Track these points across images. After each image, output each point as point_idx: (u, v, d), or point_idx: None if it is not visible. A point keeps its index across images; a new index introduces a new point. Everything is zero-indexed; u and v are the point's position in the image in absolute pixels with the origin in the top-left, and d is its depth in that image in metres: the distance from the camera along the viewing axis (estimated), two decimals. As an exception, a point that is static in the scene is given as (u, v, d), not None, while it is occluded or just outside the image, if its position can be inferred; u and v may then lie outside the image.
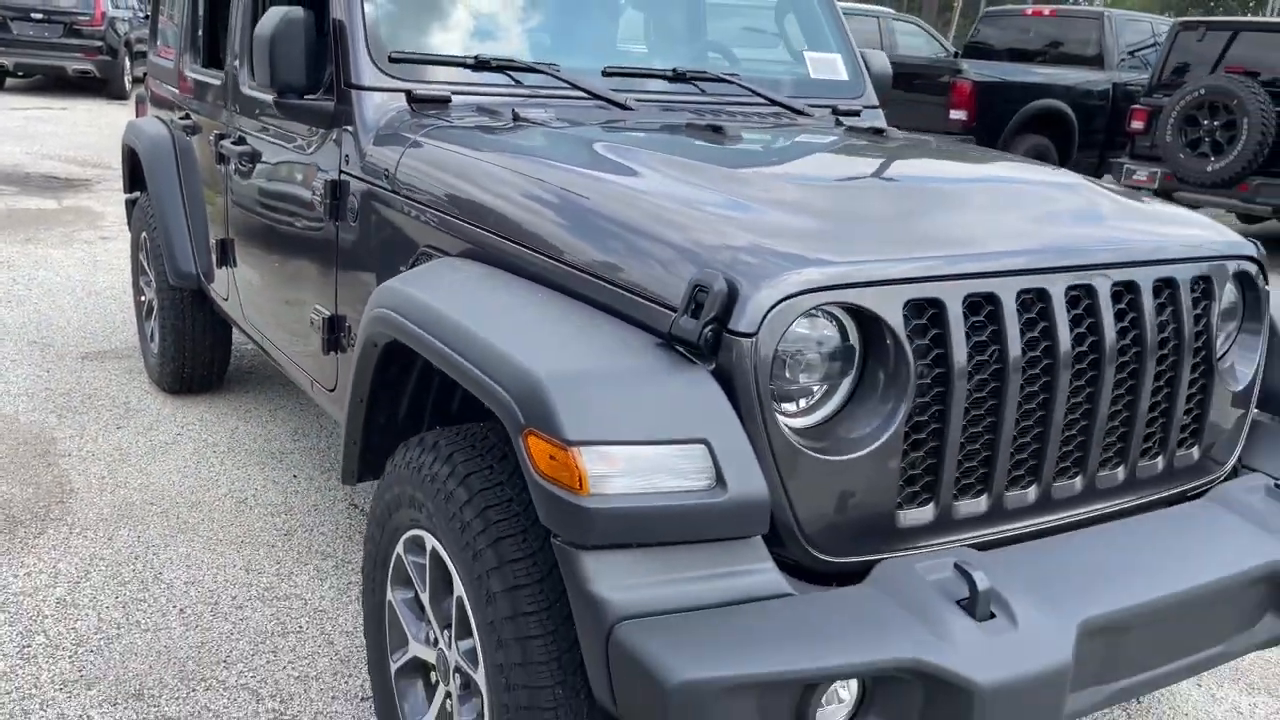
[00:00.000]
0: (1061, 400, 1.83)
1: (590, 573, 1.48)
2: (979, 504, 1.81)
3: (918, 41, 12.96)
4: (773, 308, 1.58)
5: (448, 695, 1.94)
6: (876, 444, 1.65)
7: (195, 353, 4.16)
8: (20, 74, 15.65)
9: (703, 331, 1.57)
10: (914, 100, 9.96)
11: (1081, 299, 1.86)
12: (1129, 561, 1.78)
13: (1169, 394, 2.01)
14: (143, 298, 4.50)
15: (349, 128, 2.55)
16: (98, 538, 3.18)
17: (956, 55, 12.05)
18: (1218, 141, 8.51)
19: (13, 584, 2.90)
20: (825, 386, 1.70)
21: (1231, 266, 2.09)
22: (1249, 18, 10.78)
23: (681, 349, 1.62)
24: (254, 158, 3.13)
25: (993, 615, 1.57)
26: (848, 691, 1.55)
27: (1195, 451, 2.11)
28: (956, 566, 1.60)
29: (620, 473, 1.48)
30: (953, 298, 1.70)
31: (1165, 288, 1.98)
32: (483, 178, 2.13)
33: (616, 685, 1.47)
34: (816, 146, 2.53)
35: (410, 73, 2.57)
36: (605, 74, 2.79)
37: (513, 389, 1.55)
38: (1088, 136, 10.49)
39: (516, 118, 2.46)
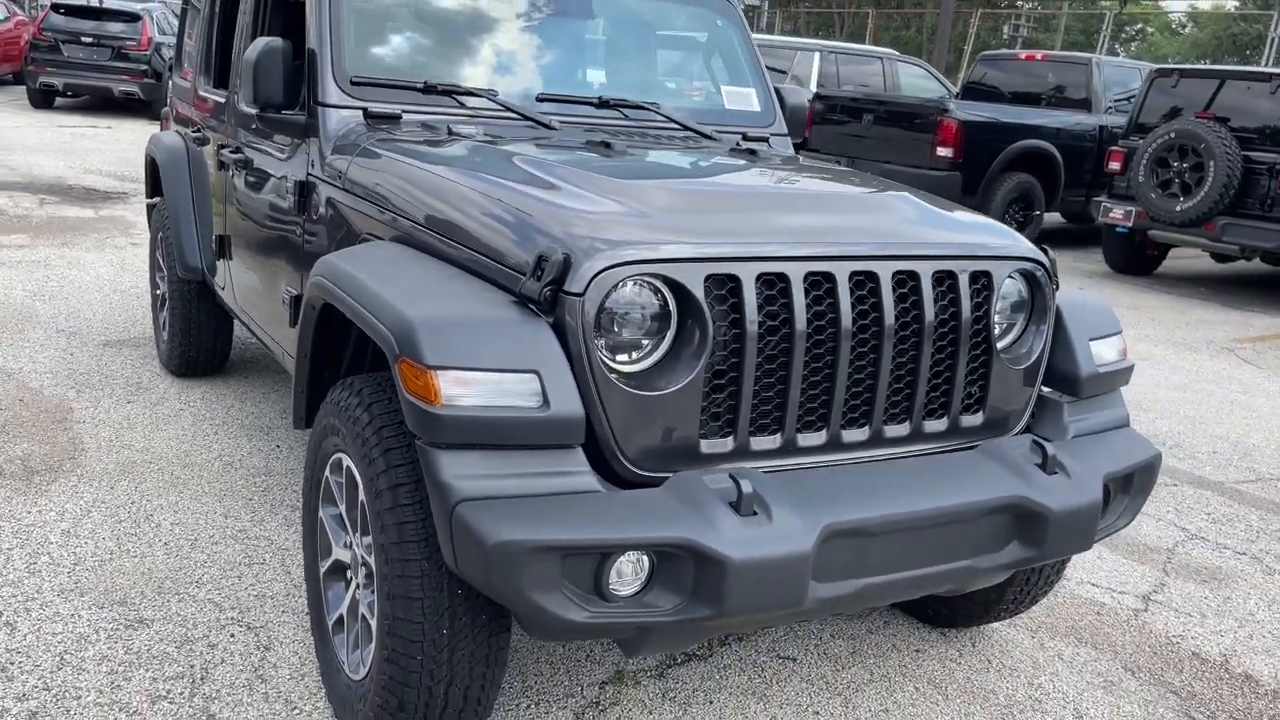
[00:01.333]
0: (844, 363, 2.30)
1: (440, 465, 1.98)
2: (773, 441, 2.29)
3: (921, 82, 13.49)
4: (596, 275, 2.07)
5: (356, 585, 2.43)
6: (678, 385, 2.13)
7: (199, 339, 4.71)
8: (69, 94, 16.51)
9: (542, 290, 2.08)
10: (906, 138, 10.46)
11: (865, 283, 2.34)
12: (884, 486, 2.24)
13: (950, 366, 2.48)
14: (158, 291, 5.06)
15: (315, 138, 3.08)
16: (101, 487, 3.71)
17: (956, 95, 12.56)
18: (1186, 183, 8.94)
19: (25, 518, 3.43)
20: (651, 341, 2.19)
21: (1012, 267, 2.56)
22: (1221, 67, 11.15)
23: (531, 305, 2.12)
24: (246, 164, 3.68)
25: (755, 514, 2.04)
26: (641, 566, 2.02)
27: (980, 416, 2.57)
28: (731, 476, 2.08)
29: (466, 391, 1.98)
30: (747, 275, 2.19)
31: (946, 279, 2.45)
32: (404, 177, 2.66)
33: (458, 551, 1.96)
34: (687, 161, 3.03)
35: (369, 94, 3.11)
36: (539, 99, 3.32)
37: (393, 328, 2.06)
38: (1075, 176, 10.92)
39: (450, 132, 2.99)
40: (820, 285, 2.29)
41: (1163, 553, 3.97)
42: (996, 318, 2.59)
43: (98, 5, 16.55)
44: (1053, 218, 12.17)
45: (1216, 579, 3.79)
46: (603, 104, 3.40)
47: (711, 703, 2.75)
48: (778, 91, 3.90)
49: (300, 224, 3.17)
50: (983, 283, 2.51)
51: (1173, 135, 8.96)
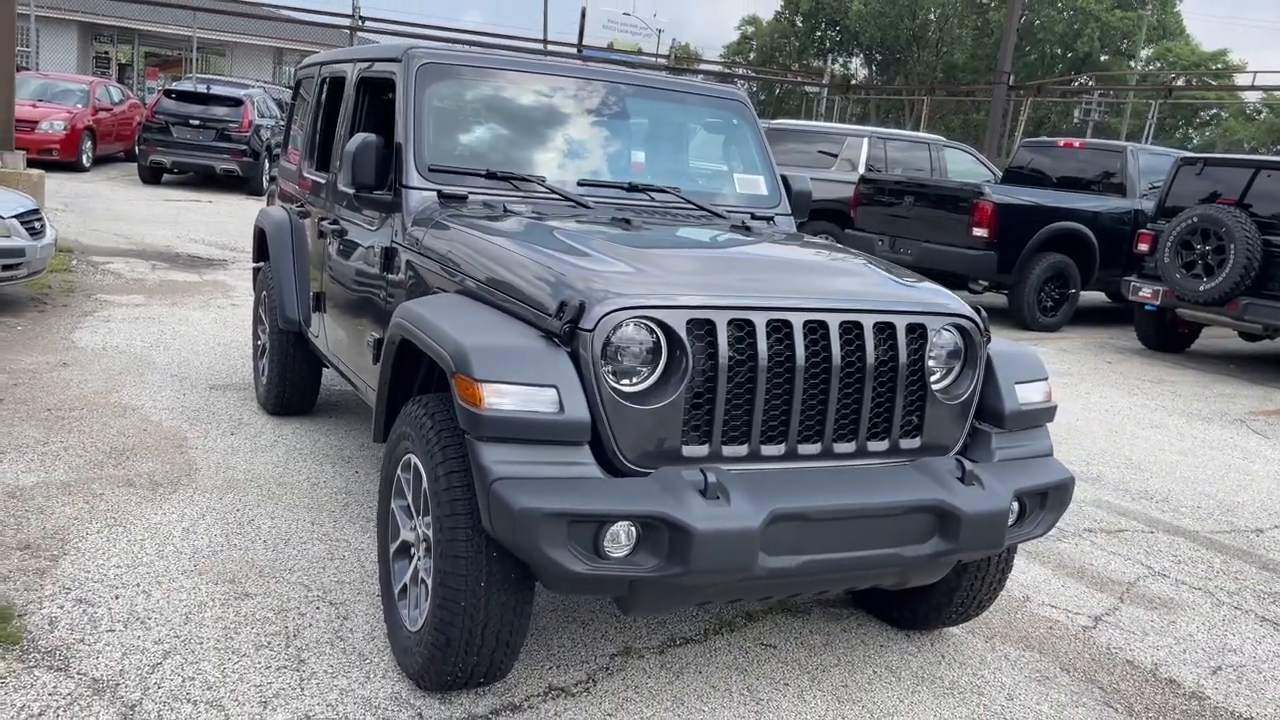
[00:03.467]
0: (798, 392, 2.96)
1: (482, 453, 2.68)
2: (741, 449, 2.95)
3: (967, 166, 14.15)
4: (603, 317, 2.77)
5: (418, 557, 3.12)
6: (664, 403, 2.81)
7: (293, 382, 5.51)
8: (175, 170, 17.93)
9: (563, 327, 2.79)
10: (945, 218, 11.10)
11: (817, 329, 3.01)
12: (825, 486, 2.89)
13: (888, 399, 3.12)
14: (258, 341, 5.90)
15: (399, 213, 3.86)
16: (212, 498, 4.47)
17: (999, 180, 13.18)
18: (1209, 264, 9.41)
19: (154, 518, 4.20)
20: (646, 369, 2.87)
21: (946, 321, 3.20)
22: (1243, 155, 11.61)
23: (554, 339, 2.82)
24: (342, 234, 4.49)
25: (718, 498, 2.70)
26: (630, 534, 2.68)
27: (917, 440, 3.20)
28: (701, 471, 2.74)
29: (503, 399, 2.68)
30: (720, 320, 2.87)
31: (886, 329, 3.11)
32: (465, 244, 3.41)
33: (493, 516, 2.64)
34: (690, 234, 3.75)
35: (442, 179, 3.89)
36: (579, 184, 4.08)
37: (451, 352, 2.78)
38: (1111, 256, 11.41)
39: (505, 210, 3.75)
40: (780, 330, 2.96)
41: (1123, 584, 4.49)
42: (931, 362, 3.23)
43: (205, 91, 18.04)
44: (1095, 296, 12.66)
45: (1166, 607, 4.30)
46: (632, 188, 4.14)
47: (700, 673, 3.37)
48: (784, 179, 4.62)
49: (384, 282, 3.94)
50: (918, 333, 3.16)
51: (1195, 219, 9.47)
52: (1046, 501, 3.24)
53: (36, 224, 7.67)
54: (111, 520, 4.13)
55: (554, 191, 3.97)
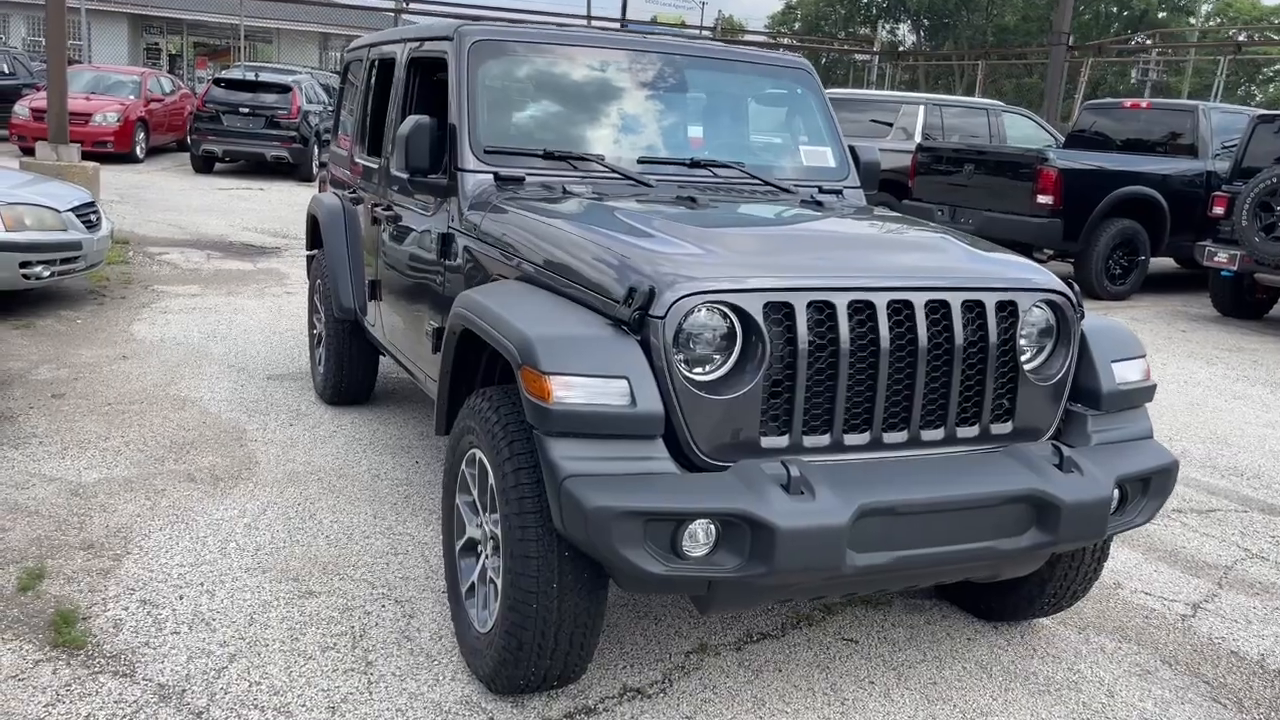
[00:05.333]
0: (883, 377, 2.79)
1: (552, 449, 2.54)
2: (823, 440, 2.78)
3: (1028, 132, 13.74)
4: (675, 303, 2.62)
5: (485, 556, 3.00)
6: (741, 392, 2.65)
7: (350, 372, 5.43)
8: (227, 159, 18.02)
9: (632, 315, 2.63)
10: (1006, 186, 10.77)
11: (902, 310, 2.82)
12: (914, 477, 2.71)
13: (978, 382, 2.94)
14: (314, 330, 5.82)
15: (455, 198, 3.73)
16: (273, 492, 4.40)
17: (1062, 145, 12.77)
18: (1289, 226, 9.02)
19: (215, 513, 4.13)
20: (721, 356, 2.72)
21: (1038, 297, 3.00)
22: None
23: (623, 327, 2.67)
24: (396, 220, 4.37)
25: (802, 493, 2.54)
26: (710, 533, 2.53)
27: (1009, 425, 3.01)
28: (783, 464, 2.58)
29: (572, 392, 2.54)
30: (799, 303, 2.70)
31: (975, 307, 2.92)
32: (525, 228, 3.26)
33: (565, 516, 2.51)
34: (759, 211, 3.57)
35: (499, 160, 3.74)
36: (639, 162, 3.91)
37: (517, 344, 2.64)
38: (1183, 221, 11.01)
39: (564, 191, 3.60)
40: (862, 311, 2.78)
41: (1220, 569, 4.26)
42: (1023, 341, 3.03)
43: (254, 79, 18.08)
44: (1164, 263, 12.24)
45: (1269, 592, 4.07)
46: (694, 164, 3.97)
47: (780, 671, 3.22)
48: (852, 150, 4.42)
49: (441, 269, 3.82)
50: (1009, 311, 2.96)
51: (1275, 180, 9.07)
52: (1149, 488, 3.04)
53: (92, 216, 7.67)
54: (174, 517, 4.07)
55: (614, 170, 3.81)
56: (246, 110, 17.39)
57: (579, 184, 3.71)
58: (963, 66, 40.83)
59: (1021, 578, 3.37)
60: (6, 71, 19.76)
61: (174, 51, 44.29)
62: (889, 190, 12.59)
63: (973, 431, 2.96)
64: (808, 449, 2.77)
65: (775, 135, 4.39)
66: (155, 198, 14.29)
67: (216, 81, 18.24)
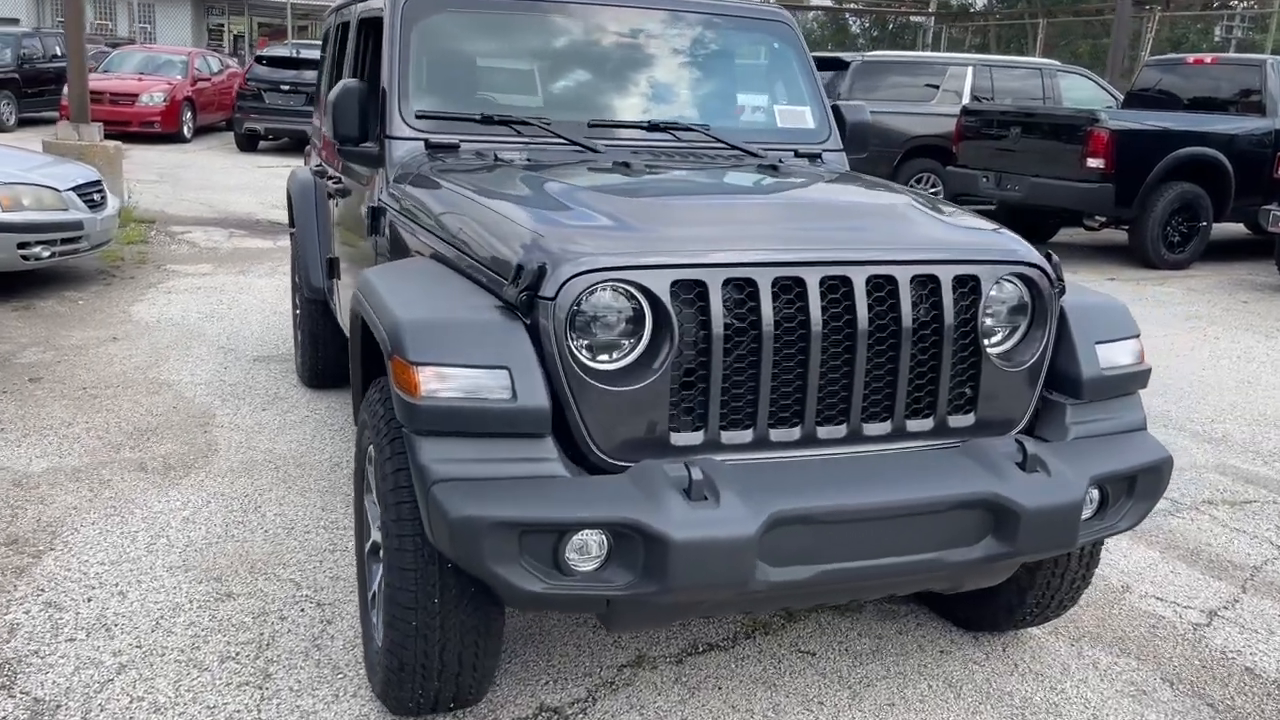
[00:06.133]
0: (815, 364, 2.44)
1: (420, 450, 2.24)
2: (745, 435, 2.44)
3: (1085, 93, 13.04)
4: (567, 282, 2.29)
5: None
6: (646, 382, 2.33)
7: (325, 353, 5.19)
8: (270, 137, 18.01)
9: (519, 296, 2.32)
10: (1055, 150, 10.18)
11: (839, 286, 2.47)
12: (846, 479, 2.37)
13: (932, 368, 2.57)
14: (297, 311, 5.60)
15: (384, 168, 3.44)
16: (223, 482, 4.19)
17: (1121, 105, 12.08)
18: (1362, 187, 8.34)
19: (155, 506, 3.93)
20: (629, 342, 2.39)
21: (1004, 271, 2.62)
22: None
23: (513, 310, 2.36)
24: (343, 194, 4.10)
25: (705, 499, 2.21)
26: (601, 546, 2.22)
27: (970, 417, 2.64)
28: (685, 465, 2.26)
29: (444, 384, 2.24)
30: (713, 280, 2.36)
31: (927, 282, 2.55)
32: (436, 200, 2.96)
33: (432, 525, 2.21)
34: (701, 178, 3.20)
35: (432, 126, 3.44)
36: (591, 126, 3.58)
37: (388, 329, 2.34)
38: (1248, 183, 10.31)
39: (495, 159, 3.28)
40: (790, 290, 2.43)
41: (1247, 569, 3.83)
42: (989, 321, 2.66)
43: (294, 55, 18.01)
44: (1231, 228, 11.52)
45: (1300, 597, 3.64)
46: (653, 128, 3.62)
47: (720, 689, 2.90)
48: (836, 109, 4.03)
49: (373, 247, 3.54)
50: (970, 287, 2.59)
51: (1345, 138, 8.39)
52: (1135, 488, 2.65)
53: (96, 196, 7.55)
54: (111, 510, 3.88)
55: (558, 135, 3.48)
56: (288, 88, 17.33)
57: (516, 151, 3.40)
58: (1035, 28, 39.36)
59: (998, 586, 3.00)
60: (59, 54, 19.94)
61: (238, 32, 44.78)
62: (933, 157, 12.05)
63: (926, 425, 2.60)
64: (727, 446, 2.44)
65: (749, 94, 4.02)
66: (193, 176, 14.28)
67: (259, 59, 18.23)
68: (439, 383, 2.24)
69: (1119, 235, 10.88)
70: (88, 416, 4.87)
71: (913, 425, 2.59)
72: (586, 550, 2.22)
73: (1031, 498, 2.40)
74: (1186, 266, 10.35)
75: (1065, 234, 12.16)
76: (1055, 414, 2.73)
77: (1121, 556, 3.87)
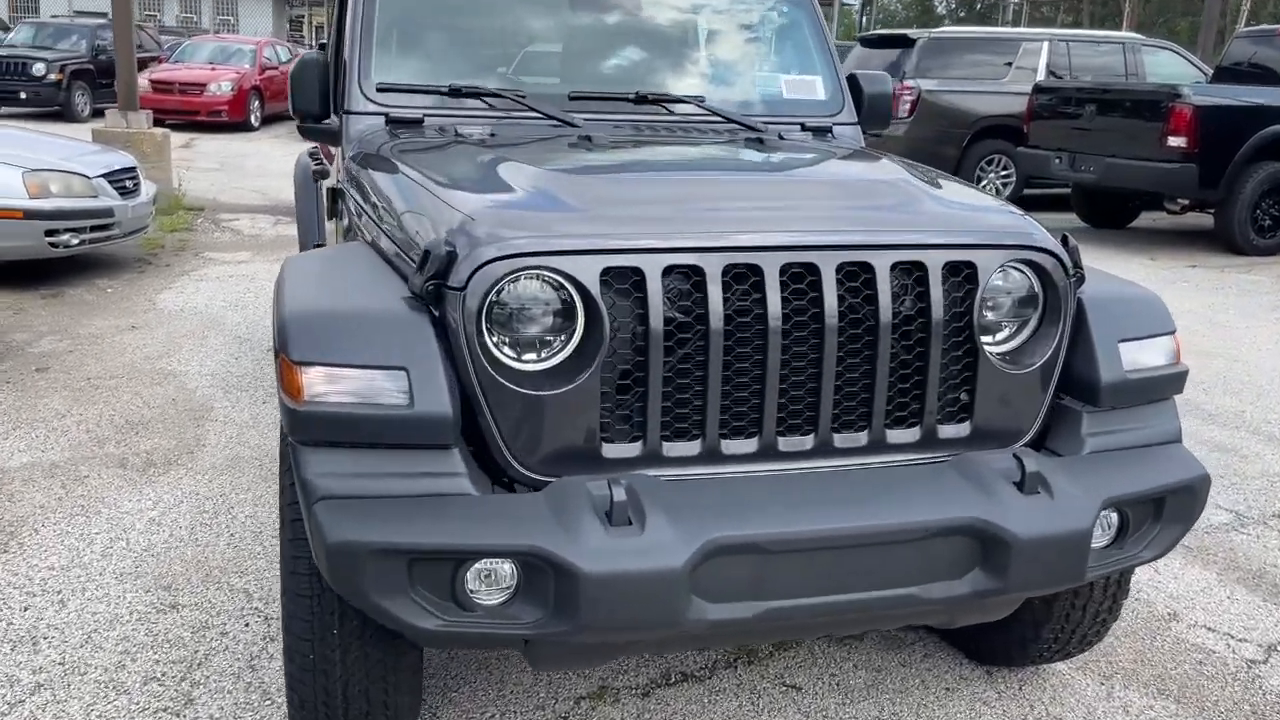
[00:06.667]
0: (774, 365, 2.09)
1: (304, 463, 1.96)
2: (691, 447, 2.11)
3: (1172, 69, 12.29)
4: (478, 270, 1.98)
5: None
6: (571, 385, 2.01)
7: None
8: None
9: (424, 286, 2.02)
10: (1133, 128, 9.56)
11: (804, 276, 2.12)
12: (804, 500, 2.01)
13: (919, 369, 2.20)
14: (305, 300, 5.40)
15: (342, 146, 3.17)
16: (201, 480, 3.98)
17: (1210, 80, 11.33)
18: None
19: (124, 505, 3.73)
20: (559, 339, 2.08)
21: (1007, 258, 2.23)
22: None
23: (422, 300, 2.06)
24: (322, 175, 3.84)
25: (629, 523, 1.89)
26: (512, 577, 1.92)
27: (966, 426, 2.26)
28: (609, 483, 1.93)
29: (333, 387, 1.95)
30: (652, 268, 2.03)
31: (913, 270, 2.18)
32: (373, 181, 2.66)
33: (314, 549, 1.93)
34: (676, 154, 2.85)
35: (394, 100, 3.15)
36: (571, 97, 3.25)
37: (276, 324, 2.06)
38: (1352, 163, 9.56)
39: (455, 135, 2.98)
40: (745, 279, 2.09)
41: (1317, 596, 3.37)
42: (991, 315, 2.28)
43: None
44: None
45: (1378, 631, 3.17)
46: (640, 99, 3.28)
47: (686, 728, 2.58)
48: (854, 79, 3.64)
49: (335, 232, 3.27)
50: (965, 276, 2.22)
51: None
52: (1162, 512, 2.25)
53: (129, 183, 7.47)
54: (78, 509, 3.69)
55: (533, 109, 3.16)
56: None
57: (480, 126, 3.09)
58: (1130, 3, 37.79)
59: (1009, 618, 2.63)
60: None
61: (320, 23, 45.42)
62: (1005, 137, 11.45)
63: (911, 436, 2.23)
64: (669, 459, 2.10)
65: (753, 63, 3.65)
66: (253, 165, 14.32)
67: (323, 46, 18.22)
68: (326, 385, 1.95)
69: (1205, 219, 10.19)
70: (83, 408, 4.72)
71: (895, 436, 2.22)
72: (494, 581, 1.92)
73: (1026, 524, 2.03)
74: (1277, 253, 9.63)
75: (1146, 218, 11.48)
76: (1069, 424, 2.34)
77: (1171, 578, 3.44)
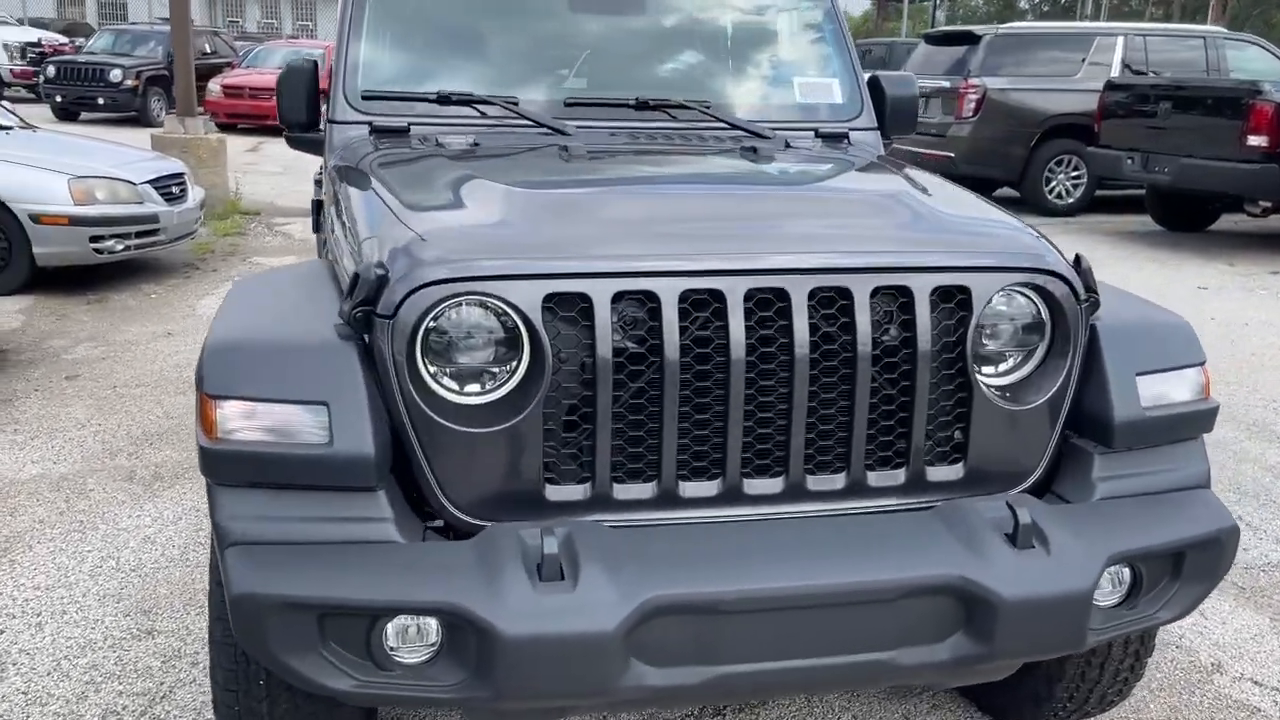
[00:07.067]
0: (737, 399, 1.90)
1: (218, 504, 1.83)
2: (645, 489, 1.92)
3: (1258, 65, 11.70)
4: (407, 296, 1.83)
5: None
6: (509, 422, 1.84)
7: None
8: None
9: (352, 311, 1.87)
10: (1211, 126, 9.08)
11: (773, 302, 1.92)
12: (764, 552, 1.81)
13: (905, 406, 1.99)
14: (331, 308, 5.32)
15: (325, 156, 3.04)
16: (204, 496, 3.89)
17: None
18: None
19: (123, 521, 3.67)
20: (506, 370, 1.91)
21: (1008, 281, 2.01)
22: None
23: (353, 327, 1.91)
24: (318, 183, 3.73)
25: (562, 578, 1.71)
26: (436, 634, 1.76)
27: (959, 468, 2.04)
28: (541, 533, 1.76)
29: (249, 423, 1.81)
30: (600, 294, 1.85)
31: (897, 295, 1.97)
32: (343, 195, 2.51)
33: (226, 597, 1.79)
34: (653, 166, 2.67)
35: (381, 108, 3.01)
36: (567, 104, 3.08)
37: (201, 355, 1.93)
38: None
39: (436, 144, 2.83)
40: (706, 305, 1.90)
41: (1384, 648, 3.05)
42: (991, 345, 2.06)
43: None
44: None
45: None
46: (642, 105, 3.10)
47: (660, 784, 2.40)
48: (875, 81, 3.41)
49: (316, 242, 3.15)
50: (958, 301, 2.00)
51: None
52: (1182, 568, 2.00)
53: (175, 189, 7.51)
54: (76, 525, 3.64)
55: (524, 116, 2.99)
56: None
57: (465, 135, 2.93)
58: (1221, -3, 36.36)
59: (1021, 673, 2.39)
60: (207, 50, 20.66)
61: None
62: (1076, 137, 10.99)
63: (896, 478, 2.02)
64: (621, 503, 1.92)
65: (768, 65, 3.44)
66: (316, 168, 14.39)
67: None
68: (241, 421, 1.81)
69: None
70: (103, 418, 4.70)
71: (877, 479, 2.01)
72: (419, 638, 1.76)
73: (1014, 584, 1.80)
74: (1368, 258, 9.08)
75: (1227, 220, 10.92)
76: (1080, 466, 2.11)
77: (1218, 623, 3.15)
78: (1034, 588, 1.81)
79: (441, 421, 1.85)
